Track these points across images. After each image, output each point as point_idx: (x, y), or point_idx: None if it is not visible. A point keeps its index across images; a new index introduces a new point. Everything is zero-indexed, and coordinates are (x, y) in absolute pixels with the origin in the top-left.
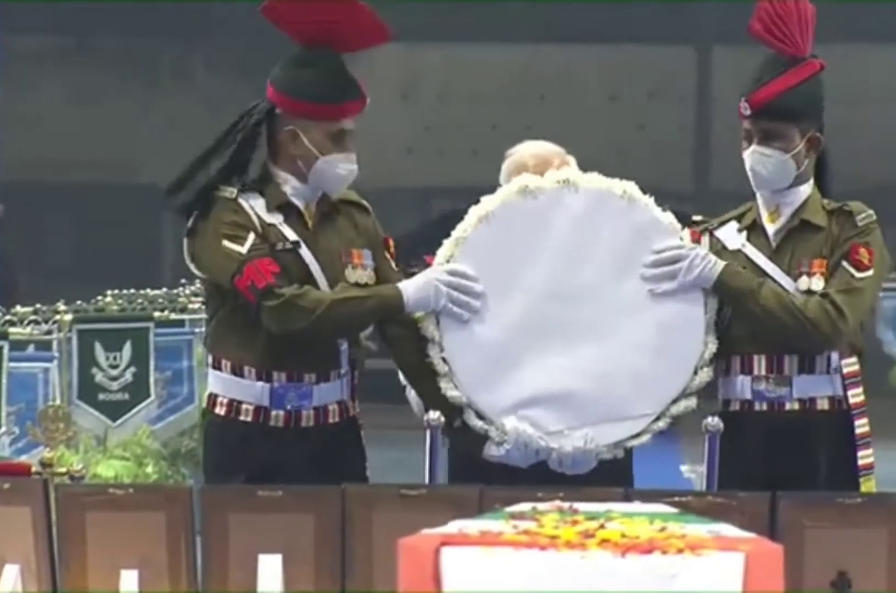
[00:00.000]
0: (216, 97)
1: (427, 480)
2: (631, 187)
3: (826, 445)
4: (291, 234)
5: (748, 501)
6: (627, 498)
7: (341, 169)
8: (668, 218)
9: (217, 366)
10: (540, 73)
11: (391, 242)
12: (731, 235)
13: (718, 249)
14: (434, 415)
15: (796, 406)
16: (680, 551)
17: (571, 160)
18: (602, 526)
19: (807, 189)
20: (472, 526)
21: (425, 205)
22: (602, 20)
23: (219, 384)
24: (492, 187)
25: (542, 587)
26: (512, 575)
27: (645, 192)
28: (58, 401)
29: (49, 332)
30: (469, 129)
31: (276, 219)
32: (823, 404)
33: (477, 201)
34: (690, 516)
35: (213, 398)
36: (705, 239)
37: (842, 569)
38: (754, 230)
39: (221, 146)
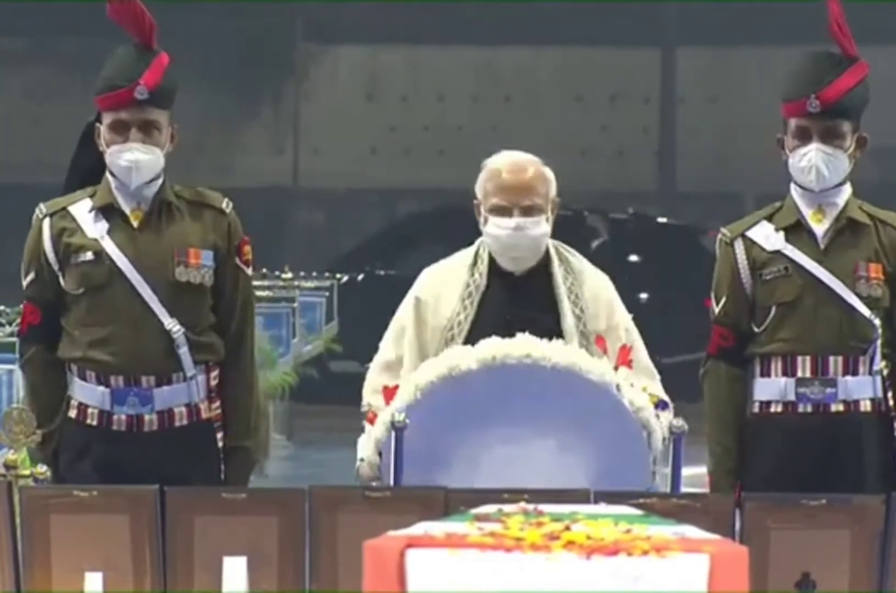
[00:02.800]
0: None
1: (392, 482)
2: (601, 367)
3: (872, 446)
4: (109, 243)
5: (713, 503)
6: (593, 500)
7: (122, 160)
8: (638, 401)
9: (69, 369)
10: (504, 74)
11: (246, 248)
12: (769, 236)
13: (754, 252)
14: (399, 416)
15: (841, 407)
16: (645, 553)
17: (548, 171)
18: (567, 528)
19: (849, 188)
20: (437, 527)
21: (391, 206)
22: (566, 22)
23: (72, 387)
24: (457, 188)
25: (508, 589)
26: (477, 576)
27: (608, 194)
28: (22, 404)
29: (12, 334)
30: (434, 130)
31: (98, 225)
32: (866, 406)
33: (442, 201)
34: (655, 518)
35: (68, 400)
36: (738, 244)
37: (806, 570)
38: (796, 231)
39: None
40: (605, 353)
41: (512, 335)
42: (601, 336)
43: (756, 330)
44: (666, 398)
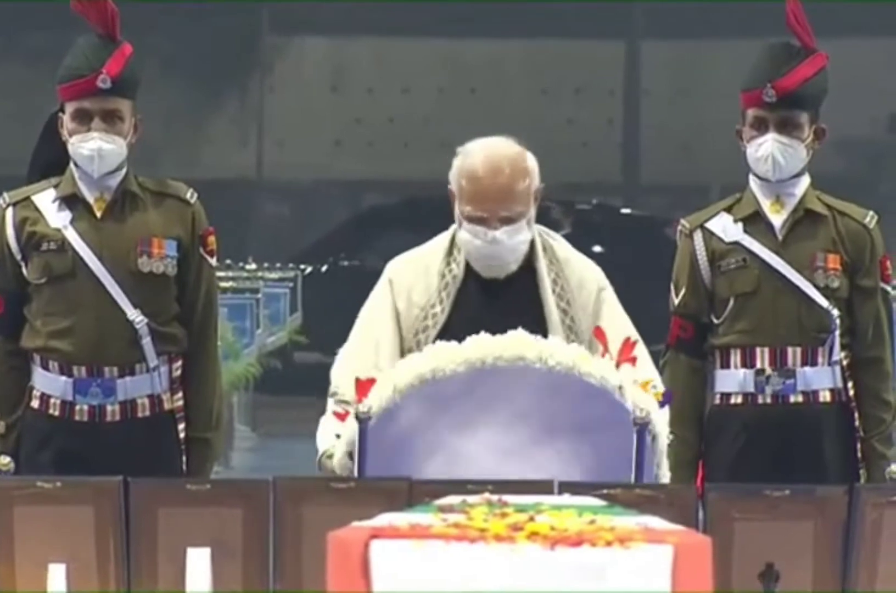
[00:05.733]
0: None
1: (356, 473)
2: (601, 369)
3: (832, 437)
4: (72, 232)
5: (676, 494)
6: (557, 491)
7: (84, 149)
8: (643, 404)
9: (32, 359)
10: (470, 66)
11: (210, 238)
12: (728, 227)
13: (713, 243)
14: (363, 407)
15: (800, 398)
16: (609, 543)
17: (528, 160)
18: (531, 519)
19: (807, 179)
20: (401, 518)
21: (356, 198)
22: (532, 14)
23: (34, 377)
24: (422, 180)
25: (472, 580)
26: (441, 567)
27: (573, 186)
28: None
29: None
30: (399, 122)
31: (62, 214)
32: (825, 396)
33: (407, 193)
34: (619, 508)
35: (30, 390)
36: (697, 236)
37: (769, 561)
38: (754, 222)
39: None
40: (606, 348)
41: (491, 330)
42: (601, 328)
43: (715, 321)
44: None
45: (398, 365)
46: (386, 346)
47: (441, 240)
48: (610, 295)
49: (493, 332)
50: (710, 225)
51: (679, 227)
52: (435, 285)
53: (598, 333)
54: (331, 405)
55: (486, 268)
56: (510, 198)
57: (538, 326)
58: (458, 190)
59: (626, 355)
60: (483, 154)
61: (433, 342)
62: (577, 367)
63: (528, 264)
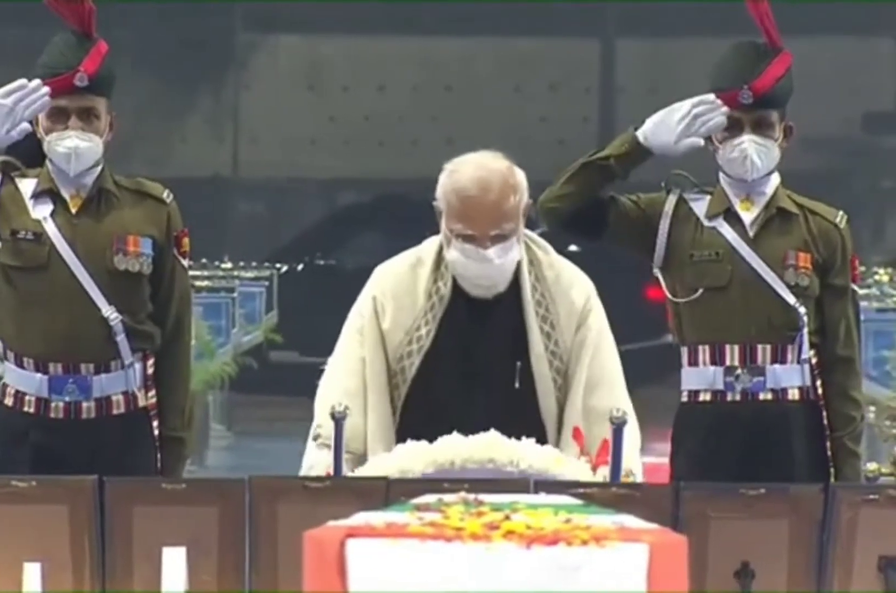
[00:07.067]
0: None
1: (332, 472)
2: (575, 472)
3: (801, 435)
4: (51, 226)
5: (652, 492)
6: (533, 490)
7: (61, 147)
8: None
9: (5, 356)
10: (445, 64)
11: (185, 240)
12: (704, 211)
13: (691, 217)
14: (340, 407)
15: (769, 396)
16: (584, 542)
17: (517, 175)
18: (507, 518)
19: (777, 177)
20: (377, 517)
21: (331, 196)
22: (506, 12)
23: (7, 374)
24: (397, 178)
25: (448, 578)
26: (417, 566)
27: (549, 184)
28: None
29: None
30: (374, 120)
31: (42, 206)
32: (794, 394)
33: (382, 191)
34: (595, 507)
35: (4, 388)
36: (672, 196)
37: (745, 560)
38: (727, 217)
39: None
40: (583, 450)
41: (475, 356)
42: (578, 428)
43: (670, 297)
44: (638, 471)
45: (365, 467)
46: (373, 366)
47: (428, 253)
48: (593, 313)
49: (477, 358)
50: (691, 199)
51: (665, 182)
52: (421, 305)
53: (576, 434)
54: (312, 449)
55: (474, 287)
56: (500, 215)
57: (521, 352)
58: (446, 208)
59: (603, 457)
60: (471, 171)
61: (416, 369)
62: (550, 470)
63: (515, 280)
